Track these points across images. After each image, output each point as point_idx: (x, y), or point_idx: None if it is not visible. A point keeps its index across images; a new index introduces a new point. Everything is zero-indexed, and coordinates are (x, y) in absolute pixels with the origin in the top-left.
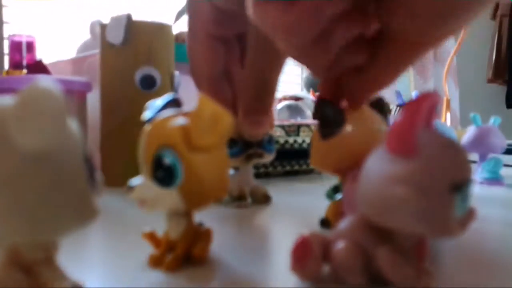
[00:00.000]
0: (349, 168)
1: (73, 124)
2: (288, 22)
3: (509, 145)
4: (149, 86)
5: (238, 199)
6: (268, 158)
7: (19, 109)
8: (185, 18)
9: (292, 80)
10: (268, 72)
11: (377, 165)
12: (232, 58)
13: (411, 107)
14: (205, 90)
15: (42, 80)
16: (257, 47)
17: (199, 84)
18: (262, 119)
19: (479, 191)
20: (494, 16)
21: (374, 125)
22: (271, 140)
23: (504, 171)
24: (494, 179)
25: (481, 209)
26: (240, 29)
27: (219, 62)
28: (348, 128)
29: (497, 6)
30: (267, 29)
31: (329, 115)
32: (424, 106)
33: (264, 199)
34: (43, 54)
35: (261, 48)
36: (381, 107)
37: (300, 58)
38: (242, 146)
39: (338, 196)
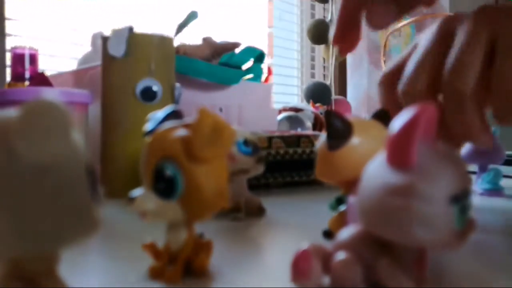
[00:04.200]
0: (354, 179)
1: (76, 136)
2: None
3: (508, 156)
4: (150, 98)
5: (233, 211)
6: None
7: (23, 123)
8: (185, 31)
9: (292, 91)
10: None
11: (376, 176)
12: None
13: (409, 119)
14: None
15: (47, 94)
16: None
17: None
18: None
19: (479, 202)
20: None
21: (379, 136)
22: None
23: (504, 182)
24: (495, 190)
25: (481, 220)
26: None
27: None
28: (355, 140)
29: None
30: None
31: (336, 127)
32: (422, 118)
33: (258, 211)
34: (44, 66)
35: None
36: (385, 118)
37: None
38: (254, 148)
39: (342, 207)
